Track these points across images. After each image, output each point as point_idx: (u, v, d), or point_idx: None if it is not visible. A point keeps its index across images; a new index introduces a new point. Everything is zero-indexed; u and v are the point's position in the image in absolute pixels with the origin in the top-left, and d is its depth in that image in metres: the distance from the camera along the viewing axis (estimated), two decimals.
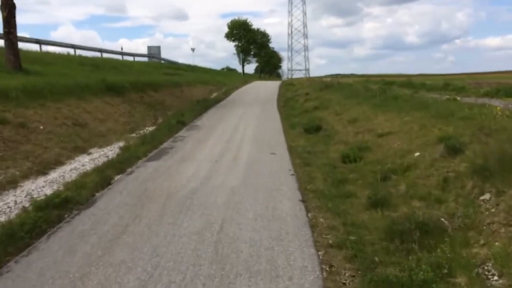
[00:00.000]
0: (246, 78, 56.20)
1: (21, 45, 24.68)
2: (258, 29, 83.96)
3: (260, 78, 73.83)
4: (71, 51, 29.19)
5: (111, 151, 10.24)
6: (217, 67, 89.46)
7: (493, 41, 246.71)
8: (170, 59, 46.94)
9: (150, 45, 48.30)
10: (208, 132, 12.58)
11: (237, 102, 22.64)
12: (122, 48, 38.55)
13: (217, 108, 19.75)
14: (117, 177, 7.58)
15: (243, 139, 11.14)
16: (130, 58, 39.51)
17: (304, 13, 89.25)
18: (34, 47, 25.55)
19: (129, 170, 8.08)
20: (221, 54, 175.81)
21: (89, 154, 9.93)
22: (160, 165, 8.36)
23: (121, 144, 11.03)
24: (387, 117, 10.30)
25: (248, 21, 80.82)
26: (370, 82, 28.50)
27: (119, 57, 37.55)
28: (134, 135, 12.33)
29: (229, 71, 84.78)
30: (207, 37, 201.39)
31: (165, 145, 10.74)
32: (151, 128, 13.89)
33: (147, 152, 9.77)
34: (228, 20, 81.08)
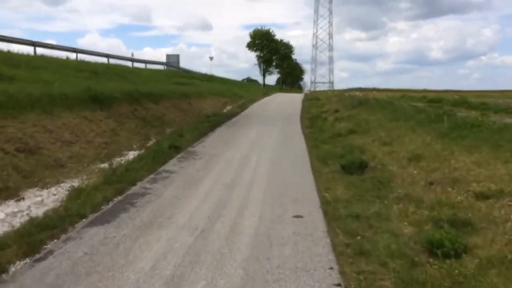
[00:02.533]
0: (266, 90, 52.82)
1: (14, 46, 21.99)
2: (281, 40, 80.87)
3: (281, 90, 70.47)
4: (73, 55, 26.50)
5: (55, 195, 6.85)
6: (239, 77, 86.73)
7: None
8: (187, 68, 44.10)
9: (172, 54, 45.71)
10: (206, 165, 9.08)
11: (253, 119, 19.14)
12: (132, 55, 35.65)
13: (228, 127, 16.26)
14: (13, 269, 4.12)
15: (252, 182, 7.60)
16: (141, 66, 36.80)
17: (330, 24, 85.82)
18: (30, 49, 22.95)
19: (46, 248, 4.63)
20: (243, 65, 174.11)
21: (18, 200, 6.56)
22: (106, 238, 4.88)
23: (79, 181, 7.71)
24: (476, 158, 6.63)
25: (271, 31, 77.69)
26: (408, 99, 24.74)
27: (129, 64, 34.85)
28: (104, 165, 8.94)
29: (249, 82, 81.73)
30: (230, 47, 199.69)
31: (137, 187, 7.29)
32: (135, 153, 10.52)
33: (104, 201, 6.34)
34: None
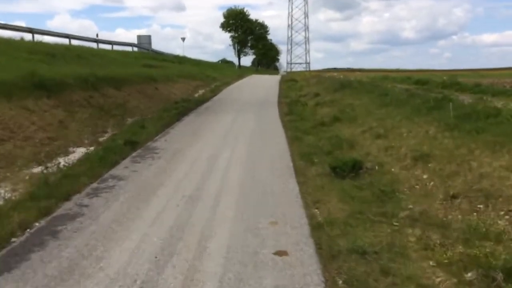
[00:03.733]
0: (241, 72, 50.88)
1: None
2: (256, 20, 78.55)
3: (257, 71, 68.57)
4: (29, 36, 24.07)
5: None
6: (215, 59, 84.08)
7: (489, 37, 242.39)
8: (159, 50, 41.71)
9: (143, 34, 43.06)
10: (165, 168, 7.40)
11: (226, 105, 17.41)
12: (97, 35, 33.07)
13: (197, 115, 14.52)
14: None
15: (221, 192, 5.99)
16: (108, 47, 34.34)
17: (306, 2, 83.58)
18: None
19: None
20: (219, 46, 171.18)
21: None
22: None
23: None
24: (506, 161, 5.16)
25: (245, 10, 75.22)
26: (391, 80, 23.39)
27: (94, 45, 32.40)
28: (39, 169, 7.20)
29: (225, 63, 79.37)
30: (205, 28, 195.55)
31: (71, 203, 5.60)
32: (83, 151, 8.78)
33: (18, 230, 4.66)
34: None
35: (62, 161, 7.94)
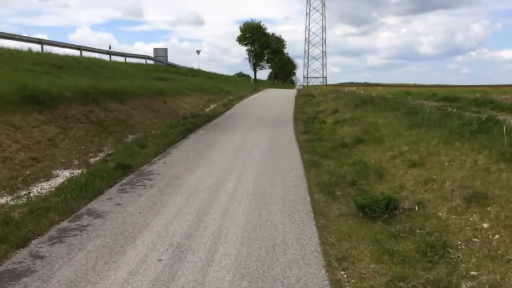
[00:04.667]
0: (256, 85, 49.78)
1: None
2: (273, 34, 77.85)
3: (273, 85, 67.56)
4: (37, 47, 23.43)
5: None
6: (231, 72, 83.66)
7: (509, 53, 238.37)
8: (175, 63, 41.03)
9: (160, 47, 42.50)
10: (155, 201, 6.13)
11: (237, 121, 16.15)
12: (110, 47, 32.47)
13: (205, 132, 13.28)
14: None
15: (219, 239, 4.69)
16: (121, 59, 33.71)
17: (323, 16, 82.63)
18: None
19: None
20: (235, 60, 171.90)
21: None
22: None
23: None
24: None
25: (262, 24, 74.55)
26: (414, 96, 21.93)
27: (106, 57, 31.74)
28: (5, 200, 6.02)
29: (242, 76, 78.66)
30: (222, 42, 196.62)
31: (25, 253, 4.38)
32: (68, 175, 7.61)
33: None
34: None
35: (37, 188, 6.76)
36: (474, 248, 4.17)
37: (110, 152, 9.94)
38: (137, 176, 7.58)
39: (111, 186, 6.88)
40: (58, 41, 26.15)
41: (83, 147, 9.98)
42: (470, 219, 4.71)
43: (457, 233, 4.53)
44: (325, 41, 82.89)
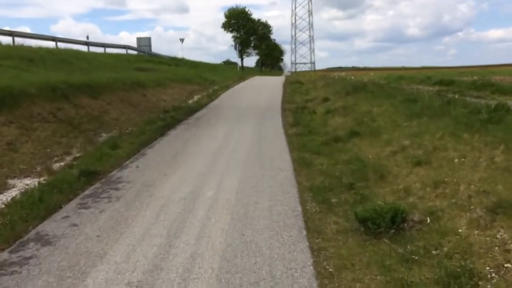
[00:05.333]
0: (243, 73, 48.62)
1: None
2: (258, 20, 76.43)
3: (261, 72, 66.46)
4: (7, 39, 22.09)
5: None
6: (218, 60, 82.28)
7: (495, 33, 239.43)
8: (157, 52, 39.70)
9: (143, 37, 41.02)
10: (121, 218, 5.18)
11: (222, 114, 15.15)
12: (88, 38, 31.10)
13: (187, 127, 12.29)
14: None
15: (190, 272, 3.76)
16: (100, 50, 32.39)
17: (310, 0, 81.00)
18: None
19: None
20: (222, 47, 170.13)
21: None
22: None
23: None
24: None
25: (247, 10, 73.03)
26: (408, 80, 21.10)
27: (84, 48, 30.40)
28: None
29: (229, 64, 77.32)
30: (208, 30, 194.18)
31: None
32: (25, 186, 6.63)
33: None
34: None
35: None
36: (509, 278, 3.31)
37: (78, 155, 8.93)
38: (103, 185, 6.60)
39: (71, 200, 5.91)
40: (32, 32, 24.86)
41: (48, 150, 8.97)
42: (498, 236, 3.85)
43: (483, 255, 3.67)
44: (312, 26, 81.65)
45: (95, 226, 4.90)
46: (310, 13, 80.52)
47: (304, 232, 4.55)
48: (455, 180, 5.17)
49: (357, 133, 9.16)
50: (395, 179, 6.05)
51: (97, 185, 6.60)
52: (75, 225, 4.97)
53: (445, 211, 4.59)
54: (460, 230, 4.13)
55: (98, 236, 4.62)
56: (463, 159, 5.75)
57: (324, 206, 5.36)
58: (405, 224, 4.45)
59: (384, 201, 5.21)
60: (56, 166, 8.11)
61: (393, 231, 4.35)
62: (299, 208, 5.28)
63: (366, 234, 4.40)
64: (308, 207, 5.34)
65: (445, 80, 16.71)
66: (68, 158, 8.72)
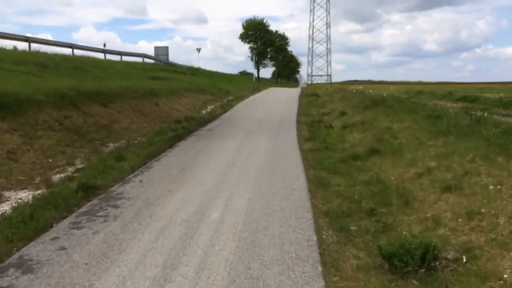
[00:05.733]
0: (258, 84, 48.26)
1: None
2: (276, 31, 76.29)
3: (276, 84, 66.13)
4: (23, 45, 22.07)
5: None
6: (235, 71, 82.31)
7: None
8: (174, 61, 39.63)
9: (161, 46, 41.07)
10: (115, 241, 4.66)
11: (235, 126, 14.65)
12: (104, 45, 31.08)
13: (197, 139, 11.80)
14: None
15: None
16: (117, 58, 32.35)
17: (328, 12, 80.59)
18: None
19: None
20: (239, 58, 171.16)
21: None
22: None
23: None
24: None
25: (265, 21, 72.98)
26: (428, 95, 20.38)
27: (101, 56, 30.40)
28: None
29: (245, 75, 77.20)
30: (225, 40, 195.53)
31: None
32: (21, 199, 6.20)
33: None
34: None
35: None
36: None
37: (81, 166, 8.50)
38: (101, 201, 6.11)
39: (65, 218, 5.43)
40: (48, 39, 24.89)
41: (50, 160, 8.55)
42: None
43: None
44: (329, 38, 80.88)
45: (85, 251, 4.39)
46: (328, 25, 79.99)
47: (320, 268, 3.97)
48: (492, 211, 4.54)
49: (377, 151, 8.55)
50: (421, 205, 5.43)
51: (95, 201, 6.11)
52: (63, 248, 4.47)
53: (483, 249, 3.97)
54: (505, 276, 3.50)
55: (86, 264, 4.11)
56: (499, 186, 5.11)
57: (342, 235, 4.77)
58: (437, 263, 3.84)
59: (410, 231, 4.62)
60: (56, 177, 7.68)
61: (423, 270, 3.74)
62: (314, 237, 4.70)
63: (391, 273, 3.80)
64: (324, 236, 4.75)
65: (469, 97, 15.97)
66: (70, 169, 8.29)
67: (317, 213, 5.50)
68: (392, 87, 25.62)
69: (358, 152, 8.80)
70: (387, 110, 12.71)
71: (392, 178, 6.79)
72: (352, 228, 4.94)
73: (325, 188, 6.62)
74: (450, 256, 3.88)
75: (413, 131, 9.40)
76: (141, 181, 7.21)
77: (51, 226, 5.13)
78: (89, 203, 6.00)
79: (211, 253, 4.32)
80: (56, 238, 4.76)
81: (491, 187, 5.17)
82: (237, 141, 11.18)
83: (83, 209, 5.77)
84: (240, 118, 16.69)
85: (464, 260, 3.85)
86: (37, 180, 7.49)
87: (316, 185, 6.80)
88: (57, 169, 8.21)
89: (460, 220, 4.67)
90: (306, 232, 4.85)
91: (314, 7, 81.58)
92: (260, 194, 6.36)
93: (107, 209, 5.72)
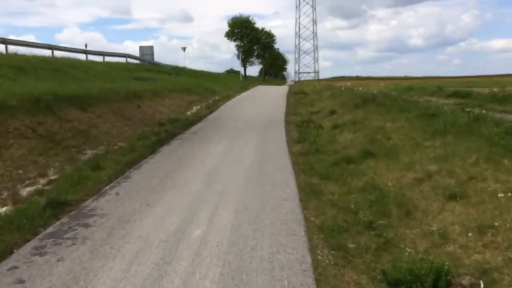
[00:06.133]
0: (246, 83, 47.66)
1: None
2: (262, 29, 75.67)
3: (264, 82, 65.58)
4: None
5: None
6: (222, 69, 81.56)
7: (499, 43, 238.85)
8: (157, 61, 38.79)
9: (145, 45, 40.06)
10: (81, 272, 4.06)
11: (221, 127, 14.06)
12: (86, 46, 30.23)
13: (181, 143, 11.21)
14: None
15: None
16: (99, 59, 31.48)
17: (314, 9, 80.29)
18: None
19: None
20: (226, 56, 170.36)
21: None
22: None
23: None
24: None
25: (250, 19, 72.27)
26: (418, 91, 20.03)
27: (82, 56, 29.54)
28: None
29: (232, 73, 76.51)
30: (212, 39, 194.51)
31: None
32: None
33: None
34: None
35: None
36: None
37: (54, 177, 7.86)
38: (71, 219, 5.51)
39: (28, 241, 4.82)
40: (26, 40, 24.03)
41: (20, 172, 7.89)
42: None
43: None
44: (316, 35, 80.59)
45: (46, 284, 3.80)
46: (314, 22, 79.68)
47: None
48: (507, 224, 4.06)
49: (371, 153, 8.06)
50: (424, 216, 4.93)
51: (65, 219, 5.51)
52: (20, 281, 3.88)
53: (502, 271, 3.47)
54: None
55: None
56: (510, 194, 4.64)
57: (339, 254, 4.24)
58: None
59: (414, 248, 4.12)
60: (26, 191, 7.05)
61: None
62: (308, 258, 4.17)
63: None
64: (319, 257, 4.23)
65: (460, 92, 15.59)
66: (42, 181, 7.65)
67: (310, 228, 4.97)
68: (382, 83, 25.22)
69: (351, 154, 8.30)
70: (378, 108, 12.26)
71: (389, 184, 6.30)
72: (350, 245, 4.43)
73: (317, 197, 6.11)
74: (465, 282, 3.38)
75: (407, 130, 8.94)
76: (117, 194, 6.61)
77: (12, 252, 4.52)
78: (58, 222, 5.39)
79: (191, 282, 3.76)
80: (14, 267, 4.16)
81: (501, 194, 4.70)
82: (223, 145, 10.61)
83: (50, 229, 5.16)
84: (227, 119, 16.10)
85: (482, 286, 3.35)
86: (4, 195, 6.86)
87: (307, 194, 6.28)
88: (27, 182, 7.56)
89: (470, 234, 4.18)
90: (299, 252, 4.32)
91: (300, 4, 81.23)
92: (247, 206, 5.82)
93: (76, 229, 5.12)
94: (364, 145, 8.69)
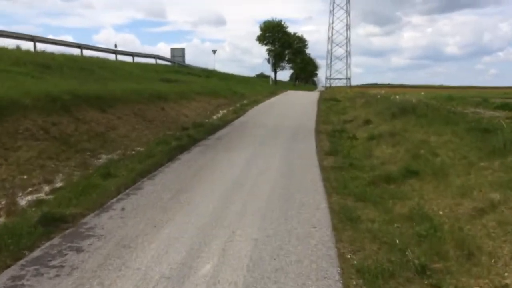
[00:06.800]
0: (275, 87, 46.77)
1: None
2: (294, 33, 74.69)
3: (294, 87, 64.53)
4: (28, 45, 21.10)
5: None
6: (252, 73, 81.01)
7: None
8: (185, 63, 38.46)
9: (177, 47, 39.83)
10: None
11: (246, 134, 13.19)
12: (116, 46, 30.11)
13: (203, 150, 10.38)
14: None
15: None
16: (129, 59, 31.37)
17: (348, 13, 78.79)
18: None
19: None
20: (257, 60, 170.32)
21: None
22: None
23: None
24: None
25: (283, 23, 71.39)
26: (459, 101, 18.58)
27: (112, 56, 29.46)
28: None
29: (262, 78, 75.87)
30: (243, 43, 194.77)
31: None
32: None
33: None
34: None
35: None
36: None
37: (60, 184, 7.16)
38: (64, 240, 4.72)
39: (8, 267, 4.05)
40: (54, 38, 24.00)
41: (24, 177, 7.23)
42: None
43: None
44: (349, 40, 79.11)
45: None
46: (347, 27, 78.19)
47: None
48: None
49: (414, 172, 7.00)
50: (492, 263, 3.89)
51: (56, 240, 4.73)
52: None
53: None
54: None
55: None
56: None
57: None
58: None
59: None
60: (25, 200, 6.36)
61: None
62: None
63: None
64: None
65: (509, 104, 14.21)
66: (46, 189, 6.97)
67: (346, 269, 4.01)
68: (422, 92, 23.82)
69: (391, 172, 7.26)
70: (419, 120, 11.10)
71: (441, 212, 5.25)
72: None
73: (353, 225, 5.12)
74: None
75: (456, 146, 7.81)
76: (122, 209, 5.80)
77: None
78: (47, 244, 4.62)
79: None
80: None
81: None
82: (248, 154, 9.73)
83: (36, 253, 4.39)
84: (253, 125, 15.22)
85: None
86: (3, 202, 6.18)
87: (342, 220, 5.30)
88: (30, 189, 6.89)
89: None
90: None
91: (333, 8, 79.86)
92: (270, 233, 4.89)
93: (66, 255, 4.33)
94: (406, 162, 7.64)
